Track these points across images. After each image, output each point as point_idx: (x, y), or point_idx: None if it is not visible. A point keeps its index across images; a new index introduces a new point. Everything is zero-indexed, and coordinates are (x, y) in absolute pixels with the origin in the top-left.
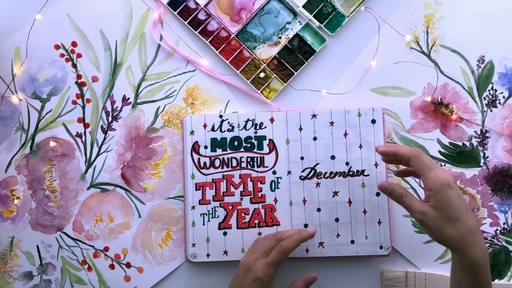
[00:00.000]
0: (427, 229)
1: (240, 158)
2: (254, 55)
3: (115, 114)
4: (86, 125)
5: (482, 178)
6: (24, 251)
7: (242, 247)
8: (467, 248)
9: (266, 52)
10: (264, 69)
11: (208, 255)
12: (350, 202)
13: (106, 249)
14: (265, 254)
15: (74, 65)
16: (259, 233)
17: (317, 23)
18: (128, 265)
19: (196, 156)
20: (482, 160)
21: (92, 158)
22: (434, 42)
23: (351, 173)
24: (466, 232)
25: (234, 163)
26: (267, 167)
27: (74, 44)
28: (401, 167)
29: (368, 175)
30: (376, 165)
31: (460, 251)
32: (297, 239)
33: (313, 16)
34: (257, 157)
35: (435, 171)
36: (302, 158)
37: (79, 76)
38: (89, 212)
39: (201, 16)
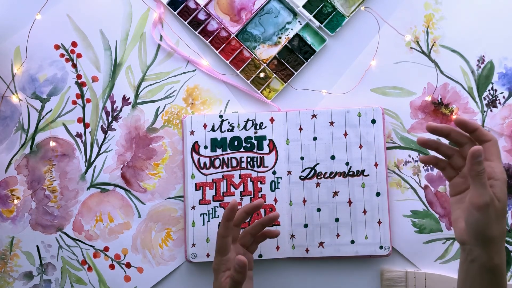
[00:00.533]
0: (483, 216)
1: (240, 158)
2: (254, 55)
3: (115, 114)
4: (86, 125)
5: None
6: (24, 251)
7: None
8: (501, 248)
9: (266, 52)
10: (264, 69)
11: (208, 255)
12: (350, 202)
13: (106, 249)
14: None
15: (74, 65)
16: None
17: (317, 23)
18: (128, 265)
19: (196, 156)
20: None
21: (92, 158)
22: (434, 42)
23: (351, 173)
24: (504, 232)
25: (234, 163)
26: (267, 167)
27: (74, 44)
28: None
29: (368, 175)
30: (376, 165)
31: (492, 250)
32: (222, 220)
33: (313, 16)
34: (257, 157)
35: (502, 164)
36: (302, 158)
37: (79, 76)
38: (89, 212)
39: (201, 16)
